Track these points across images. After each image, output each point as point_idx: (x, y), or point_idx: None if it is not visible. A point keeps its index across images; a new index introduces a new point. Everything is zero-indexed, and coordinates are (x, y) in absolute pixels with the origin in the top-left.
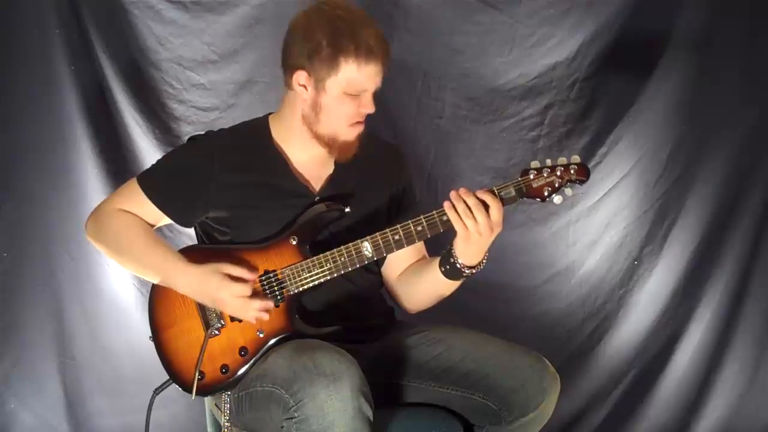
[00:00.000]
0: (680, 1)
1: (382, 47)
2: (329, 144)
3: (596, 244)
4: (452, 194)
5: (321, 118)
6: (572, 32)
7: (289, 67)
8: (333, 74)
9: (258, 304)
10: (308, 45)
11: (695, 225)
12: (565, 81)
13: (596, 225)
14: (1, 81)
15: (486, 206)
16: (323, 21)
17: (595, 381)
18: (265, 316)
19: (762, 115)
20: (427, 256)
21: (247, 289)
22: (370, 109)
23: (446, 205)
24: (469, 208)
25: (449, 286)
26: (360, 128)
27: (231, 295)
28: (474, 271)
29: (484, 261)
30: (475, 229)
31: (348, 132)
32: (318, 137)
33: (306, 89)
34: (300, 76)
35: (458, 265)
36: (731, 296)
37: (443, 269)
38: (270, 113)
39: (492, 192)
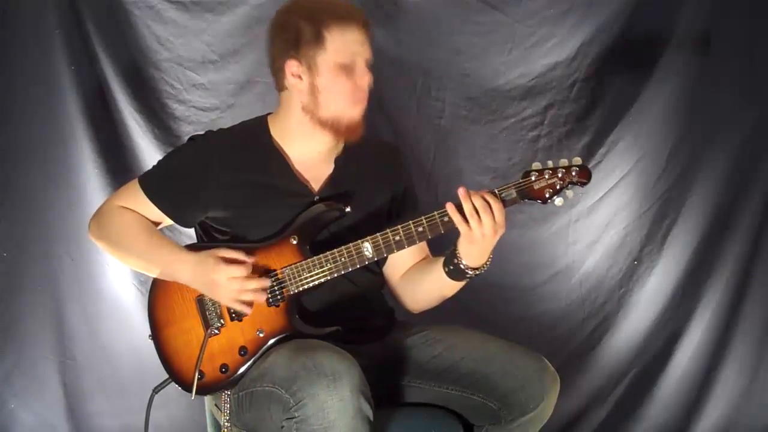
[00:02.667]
0: (680, 1)
1: (360, 14)
2: (334, 127)
3: (596, 244)
4: (461, 193)
5: (321, 101)
6: (572, 32)
7: (278, 66)
8: (321, 50)
9: (254, 284)
10: (290, 33)
11: (695, 225)
12: (565, 81)
13: (596, 225)
14: (1, 81)
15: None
16: (296, 9)
17: (595, 381)
18: (262, 297)
19: (762, 115)
20: (430, 255)
21: (242, 270)
22: (367, 78)
23: (449, 206)
24: (476, 210)
25: (453, 287)
26: (363, 105)
27: (226, 276)
28: (478, 272)
29: (489, 262)
30: (479, 231)
31: (351, 110)
32: (322, 123)
33: (301, 78)
34: (291, 66)
35: (462, 266)
36: (731, 296)
37: (447, 270)
38: (269, 113)
39: (493, 193)
